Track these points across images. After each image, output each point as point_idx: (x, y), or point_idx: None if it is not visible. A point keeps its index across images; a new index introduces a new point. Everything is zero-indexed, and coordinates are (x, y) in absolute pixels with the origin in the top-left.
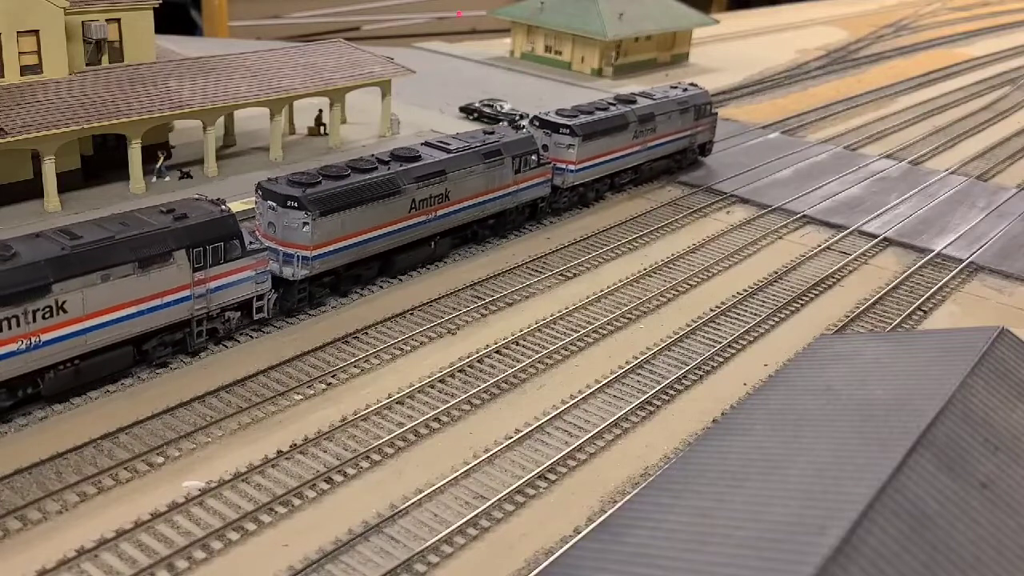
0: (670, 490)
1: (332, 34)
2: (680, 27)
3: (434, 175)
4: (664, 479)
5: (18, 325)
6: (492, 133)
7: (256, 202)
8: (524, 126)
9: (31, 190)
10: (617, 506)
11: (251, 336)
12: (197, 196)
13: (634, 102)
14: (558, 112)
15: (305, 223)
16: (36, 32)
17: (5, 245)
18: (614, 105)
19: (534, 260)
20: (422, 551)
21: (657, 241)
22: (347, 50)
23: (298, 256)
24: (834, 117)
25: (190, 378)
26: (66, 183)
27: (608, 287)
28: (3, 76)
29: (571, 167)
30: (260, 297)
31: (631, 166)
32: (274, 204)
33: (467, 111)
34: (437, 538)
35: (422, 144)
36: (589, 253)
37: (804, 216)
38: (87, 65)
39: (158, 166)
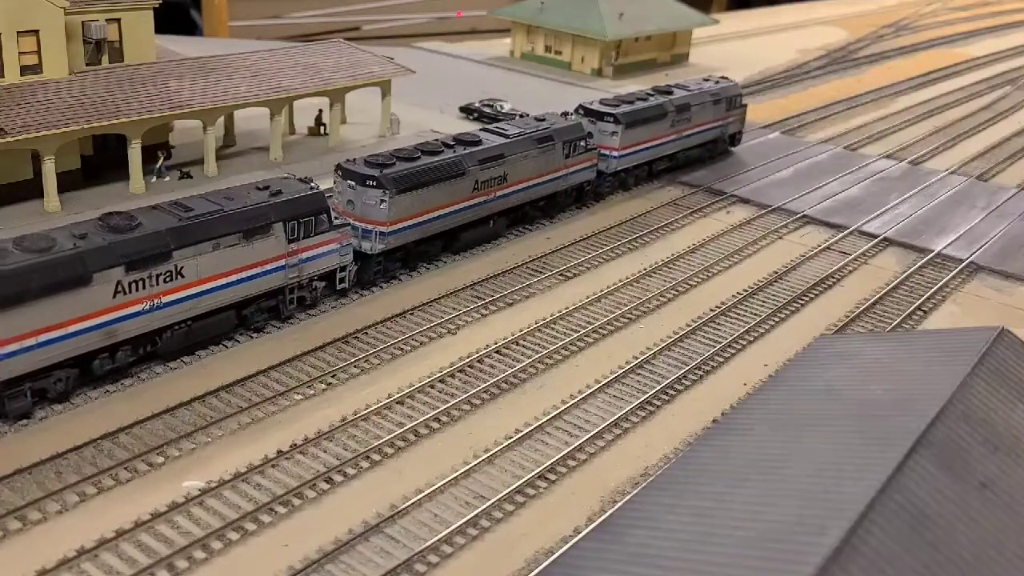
0: (670, 490)
1: (332, 34)
2: (680, 27)
3: (494, 158)
4: (664, 479)
5: (143, 288)
6: (543, 120)
7: (335, 181)
8: (571, 114)
9: (31, 190)
10: (617, 506)
11: (251, 336)
12: (286, 175)
13: (671, 93)
14: (601, 101)
15: (383, 200)
16: (36, 32)
17: (130, 216)
18: (653, 95)
19: (534, 260)
20: (422, 551)
21: (657, 241)
22: (347, 50)
23: (376, 231)
24: (834, 117)
25: (190, 378)
26: (66, 183)
27: (608, 287)
28: (3, 76)
29: (614, 153)
30: (343, 268)
31: (668, 154)
32: (354, 183)
33: (467, 111)
34: (437, 538)
35: (480, 130)
36: (589, 253)
37: (804, 216)
38: (87, 65)
39: (158, 166)
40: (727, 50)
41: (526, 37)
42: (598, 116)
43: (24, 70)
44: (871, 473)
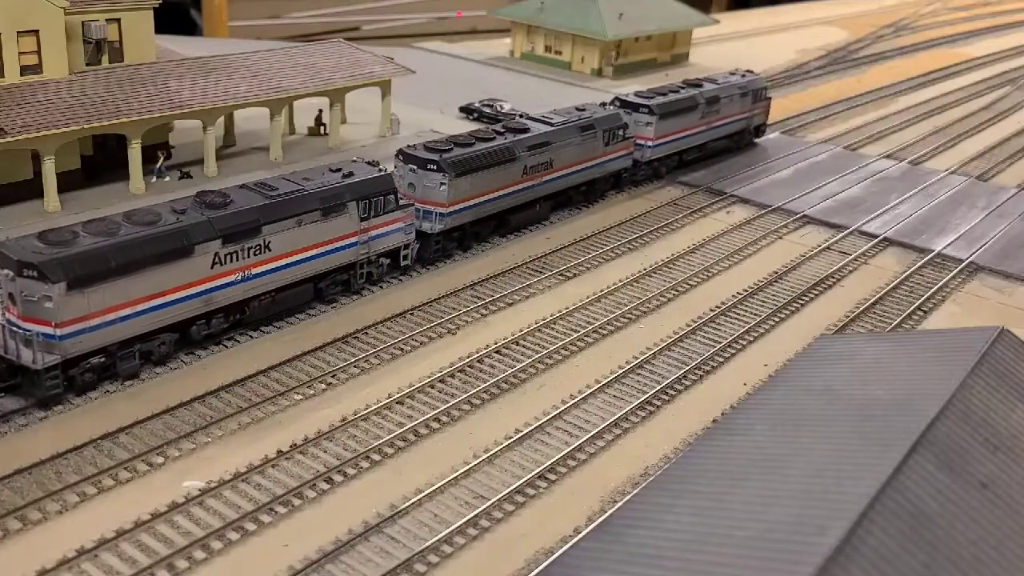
0: (670, 490)
1: (332, 34)
2: (680, 27)
3: (541, 144)
4: (664, 479)
5: (236, 260)
6: (584, 109)
7: (396, 165)
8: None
9: (31, 190)
10: (617, 506)
11: (251, 336)
12: (355, 159)
13: (700, 86)
14: (636, 93)
15: (442, 183)
16: (36, 32)
17: (223, 193)
18: (684, 88)
19: (534, 260)
20: (422, 551)
21: (657, 241)
22: (347, 50)
23: (436, 212)
24: (834, 117)
25: (190, 378)
26: (66, 183)
27: (608, 287)
28: (3, 76)
29: (649, 143)
30: (406, 246)
31: (698, 144)
32: (415, 167)
33: (467, 111)
34: (437, 538)
35: (527, 118)
36: (589, 253)
37: (804, 216)
38: (87, 65)
39: (158, 166)
40: (727, 50)
41: (526, 37)
42: (634, 107)
43: (24, 70)
44: (871, 473)
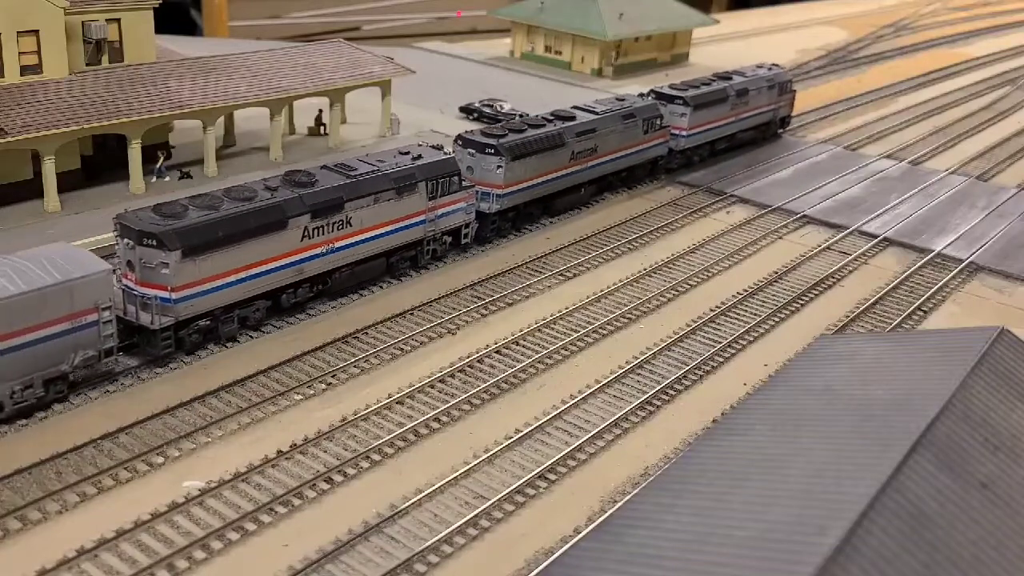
0: (670, 490)
1: (332, 34)
2: (680, 27)
3: (588, 131)
4: (664, 479)
5: (323, 233)
6: (623, 100)
7: (454, 150)
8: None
9: (31, 190)
10: (617, 506)
11: (250, 336)
12: (420, 143)
13: (730, 79)
14: (670, 86)
15: (499, 166)
16: (36, 32)
17: (308, 172)
18: (715, 81)
19: (534, 260)
20: (422, 551)
21: (657, 241)
22: (347, 50)
23: (493, 193)
24: (834, 117)
25: (190, 378)
26: (66, 183)
27: (608, 287)
28: (3, 76)
29: (683, 133)
30: (467, 225)
31: (728, 134)
32: (473, 151)
33: (467, 111)
34: (437, 538)
35: (572, 107)
36: (589, 253)
37: (804, 216)
38: (87, 65)
39: (158, 166)
40: (727, 50)
41: (526, 37)
42: (669, 99)
43: (24, 70)
44: (871, 473)
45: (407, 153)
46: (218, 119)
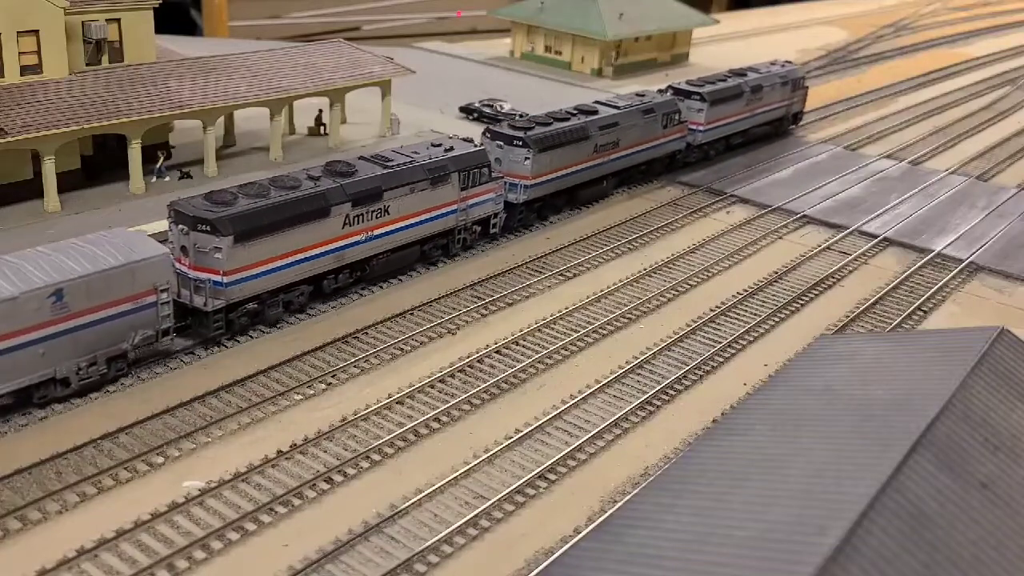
0: (670, 490)
1: (332, 34)
2: (680, 27)
3: (610, 125)
4: (664, 479)
5: (362, 221)
6: (643, 95)
7: (482, 142)
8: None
9: (31, 190)
10: (617, 506)
11: (251, 336)
12: (450, 136)
13: (745, 75)
14: (687, 82)
15: (527, 157)
16: (36, 32)
17: (348, 163)
18: (731, 77)
19: (534, 260)
20: (422, 551)
21: (657, 241)
22: (347, 50)
23: (520, 184)
24: (834, 117)
25: (190, 378)
26: (66, 183)
27: (608, 287)
28: (3, 76)
29: (700, 128)
30: (496, 215)
31: (743, 129)
32: (502, 143)
33: (467, 111)
34: (437, 538)
35: (595, 102)
36: (589, 253)
37: (804, 216)
38: (87, 65)
39: (158, 166)
40: (727, 50)
41: (526, 37)
42: (686, 95)
43: (24, 70)
44: (871, 473)
45: (439, 145)
46: (218, 119)
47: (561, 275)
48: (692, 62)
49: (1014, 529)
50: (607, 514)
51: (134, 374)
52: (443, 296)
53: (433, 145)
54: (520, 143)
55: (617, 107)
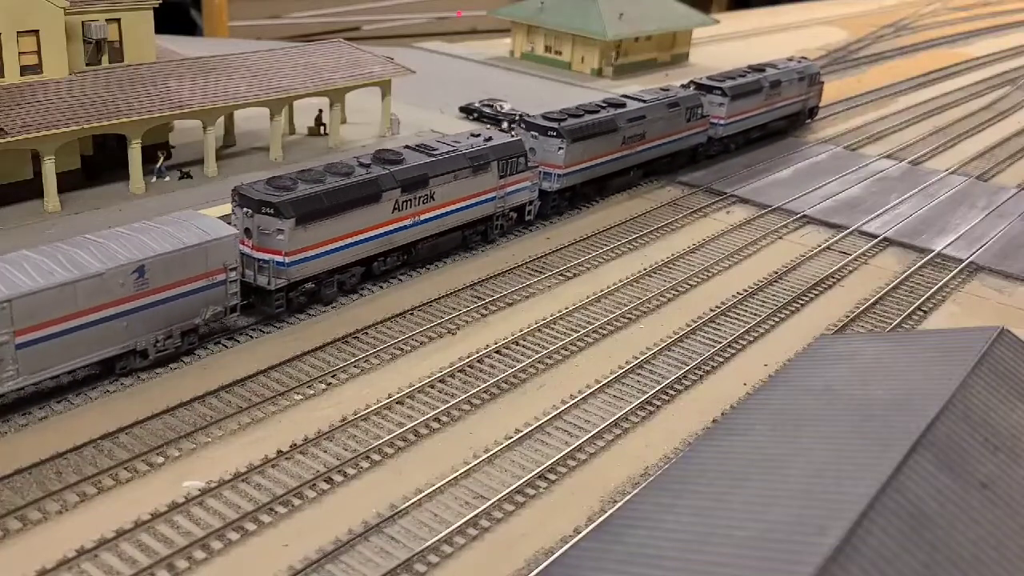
0: (670, 490)
1: (332, 34)
2: (680, 27)
3: (638, 118)
4: (664, 479)
5: (410, 207)
6: (668, 90)
7: (518, 132)
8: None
9: (31, 190)
10: (617, 506)
11: (251, 336)
12: (488, 126)
13: (764, 71)
14: (709, 77)
15: (560, 147)
16: (36, 32)
17: (396, 152)
18: (750, 73)
19: (534, 260)
20: (422, 551)
21: (657, 241)
22: (347, 50)
23: (554, 173)
24: (834, 117)
25: (190, 378)
26: (66, 183)
27: (608, 287)
28: (3, 76)
29: (721, 121)
30: (531, 203)
31: (762, 123)
32: (536, 133)
33: (467, 111)
34: (437, 538)
35: (622, 95)
36: (589, 253)
37: (804, 216)
38: (87, 65)
39: (158, 166)
40: (727, 50)
41: (526, 37)
42: (708, 89)
43: (24, 70)
44: (871, 473)
45: (479, 135)
46: (218, 119)
47: (561, 275)
48: (692, 62)
49: (1014, 529)
50: (607, 514)
51: (134, 374)
52: (443, 296)
53: (473, 135)
54: (554, 134)
55: (644, 101)
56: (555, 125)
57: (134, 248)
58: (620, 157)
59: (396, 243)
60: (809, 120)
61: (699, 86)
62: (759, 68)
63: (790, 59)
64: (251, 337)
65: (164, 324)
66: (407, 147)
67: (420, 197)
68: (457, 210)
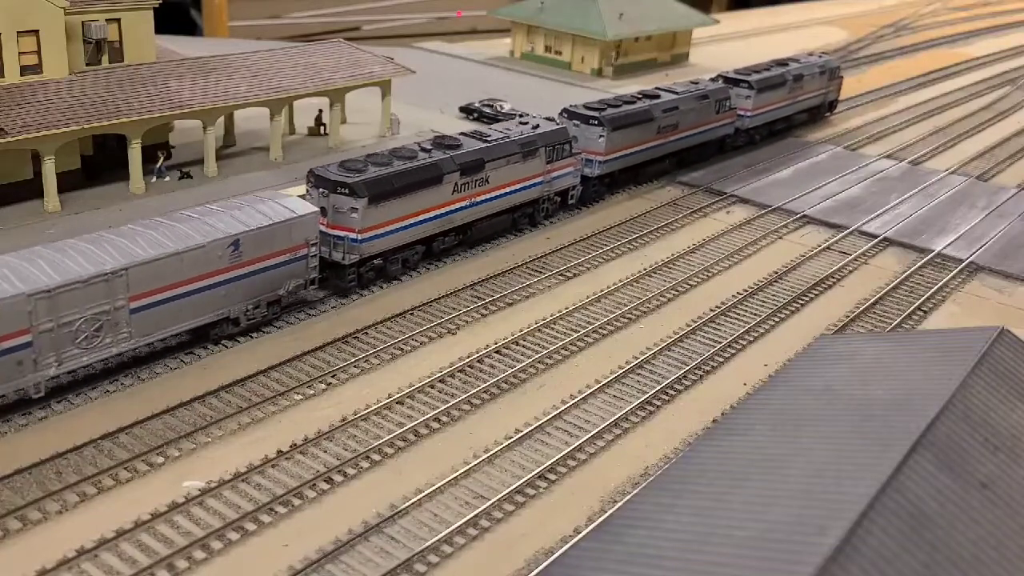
0: (670, 490)
1: (332, 34)
2: (680, 27)
3: (671, 109)
4: (664, 479)
5: (467, 189)
6: (697, 83)
7: (560, 121)
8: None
9: (31, 190)
10: (617, 506)
11: (251, 336)
12: (534, 115)
13: (787, 65)
14: (735, 71)
15: (601, 135)
16: (36, 32)
17: (454, 138)
18: (775, 67)
19: (534, 260)
20: (422, 551)
21: (657, 241)
22: (347, 50)
23: (596, 160)
24: (834, 117)
25: (190, 378)
26: (66, 183)
27: (608, 287)
28: (3, 76)
29: (748, 113)
30: (574, 188)
31: (785, 115)
32: (578, 122)
33: (467, 111)
34: (437, 538)
35: (656, 88)
36: (589, 253)
37: (804, 216)
38: (87, 65)
39: (158, 166)
40: (727, 50)
41: (526, 37)
42: (735, 83)
43: (24, 70)
44: (871, 473)
45: (526, 123)
46: (218, 119)
47: (561, 275)
48: (692, 62)
49: (1014, 529)
50: (607, 514)
51: (133, 374)
52: (443, 296)
53: (521, 123)
54: (596, 122)
55: (676, 93)
56: (596, 114)
57: (229, 223)
58: (656, 146)
59: (454, 223)
60: (829, 113)
61: (726, 79)
62: (782, 62)
63: (811, 54)
64: (251, 338)
65: (253, 294)
66: (463, 134)
67: (476, 180)
68: (508, 193)
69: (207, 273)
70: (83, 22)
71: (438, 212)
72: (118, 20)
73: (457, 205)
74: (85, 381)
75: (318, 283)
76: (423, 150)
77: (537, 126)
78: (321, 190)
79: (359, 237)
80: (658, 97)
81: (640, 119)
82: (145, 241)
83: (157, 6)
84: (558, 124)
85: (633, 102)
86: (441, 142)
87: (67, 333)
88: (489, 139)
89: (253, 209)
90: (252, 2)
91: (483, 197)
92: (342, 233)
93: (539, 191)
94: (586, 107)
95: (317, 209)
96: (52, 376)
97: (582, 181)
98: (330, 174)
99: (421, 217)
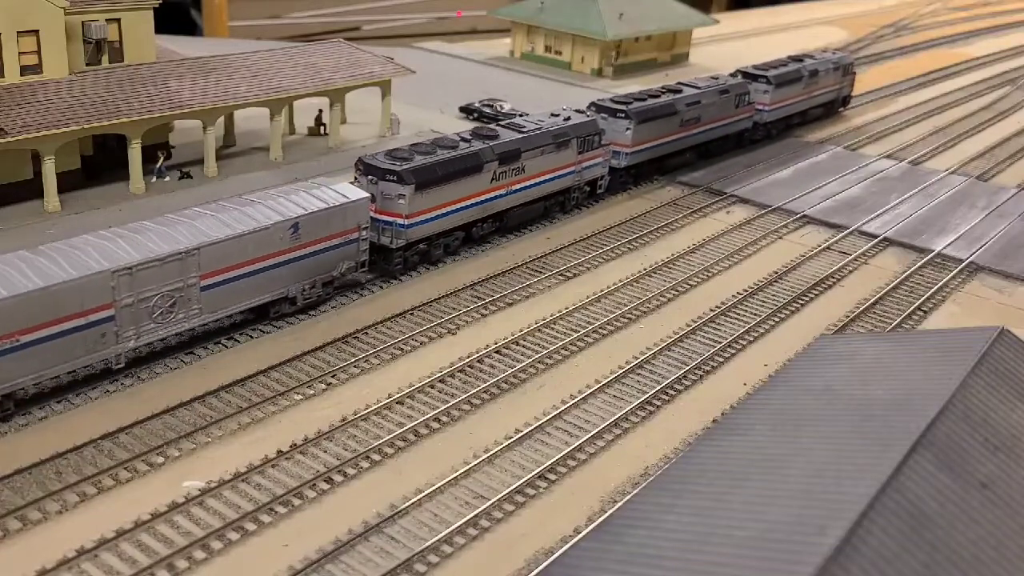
0: (670, 490)
1: (332, 34)
2: (680, 27)
3: (694, 103)
4: (664, 479)
5: (505, 177)
6: (717, 78)
7: (588, 114)
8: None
9: (31, 190)
10: (617, 506)
11: (251, 336)
12: (564, 107)
13: (802, 60)
14: (753, 66)
15: (628, 128)
16: (36, 32)
17: (492, 129)
18: (791, 63)
19: (534, 260)
20: (422, 551)
21: (657, 241)
22: (347, 50)
23: (622, 152)
24: (834, 117)
25: (190, 378)
26: (66, 183)
27: (608, 287)
28: (3, 76)
29: (766, 108)
30: (602, 178)
31: (801, 110)
32: (606, 115)
33: (467, 111)
34: (437, 538)
35: (678, 83)
36: (589, 253)
37: (804, 216)
38: (87, 65)
39: (158, 166)
40: (727, 50)
41: (526, 37)
42: (753, 78)
43: (24, 70)
44: (871, 473)
45: (558, 115)
46: (218, 119)
47: (561, 275)
48: (692, 62)
49: (1014, 529)
50: (607, 514)
51: (133, 374)
52: (443, 296)
53: (553, 115)
54: (623, 115)
55: (698, 87)
56: (623, 107)
57: (289, 207)
58: (679, 139)
59: (493, 210)
60: (842, 108)
61: (745, 75)
62: (798, 58)
63: (824, 51)
64: (251, 337)
65: (310, 275)
66: (500, 125)
67: (513, 169)
68: (543, 182)
69: (269, 254)
70: (83, 22)
71: (478, 199)
72: (118, 20)
73: (495, 192)
74: (87, 380)
75: (367, 266)
76: (463, 140)
77: (569, 118)
78: (370, 177)
79: (406, 222)
80: (680, 91)
81: (664, 112)
82: (214, 223)
83: (157, 6)
84: (588, 116)
85: (658, 96)
86: (480, 133)
87: (145, 308)
88: (524, 130)
89: (309, 195)
90: (252, 2)
91: (519, 185)
92: (390, 219)
93: (571, 180)
94: (613, 100)
95: (368, 195)
96: (132, 348)
97: (609, 172)
98: (379, 162)
99: (462, 204)
